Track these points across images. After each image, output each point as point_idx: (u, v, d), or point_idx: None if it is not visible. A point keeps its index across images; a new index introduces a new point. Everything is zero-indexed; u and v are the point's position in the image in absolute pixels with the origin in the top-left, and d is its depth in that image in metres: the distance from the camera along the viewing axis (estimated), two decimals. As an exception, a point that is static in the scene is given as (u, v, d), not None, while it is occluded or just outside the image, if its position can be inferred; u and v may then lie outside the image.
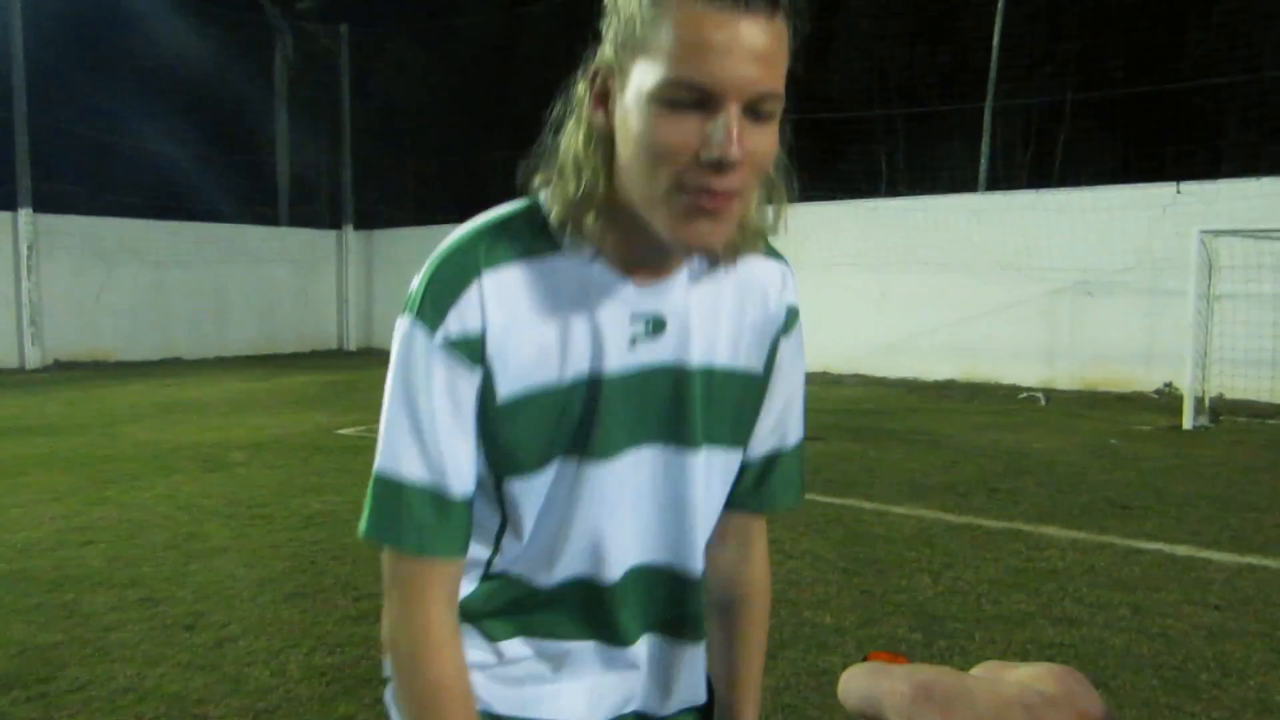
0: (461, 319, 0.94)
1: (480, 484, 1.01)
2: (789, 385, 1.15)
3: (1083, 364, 12.36)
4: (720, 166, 0.86)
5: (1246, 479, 6.79)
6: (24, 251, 15.13)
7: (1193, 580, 4.42)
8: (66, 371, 14.89)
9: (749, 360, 1.09)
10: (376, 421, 1.04)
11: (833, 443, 8.28)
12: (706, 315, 1.04)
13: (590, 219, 0.96)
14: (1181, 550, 4.93)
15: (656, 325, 1.01)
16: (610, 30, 0.93)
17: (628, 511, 1.04)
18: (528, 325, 0.97)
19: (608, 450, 1.01)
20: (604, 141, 0.95)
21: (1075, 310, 12.46)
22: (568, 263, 0.98)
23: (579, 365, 0.98)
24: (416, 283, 0.97)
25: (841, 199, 15.17)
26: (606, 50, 0.94)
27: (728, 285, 1.07)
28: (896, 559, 4.76)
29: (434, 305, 0.95)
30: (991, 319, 13.00)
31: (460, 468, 0.97)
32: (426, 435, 0.96)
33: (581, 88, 0.97)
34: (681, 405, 1.03)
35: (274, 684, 3.32)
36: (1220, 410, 9.97)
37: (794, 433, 1.18)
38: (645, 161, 0.89)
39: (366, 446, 8.06)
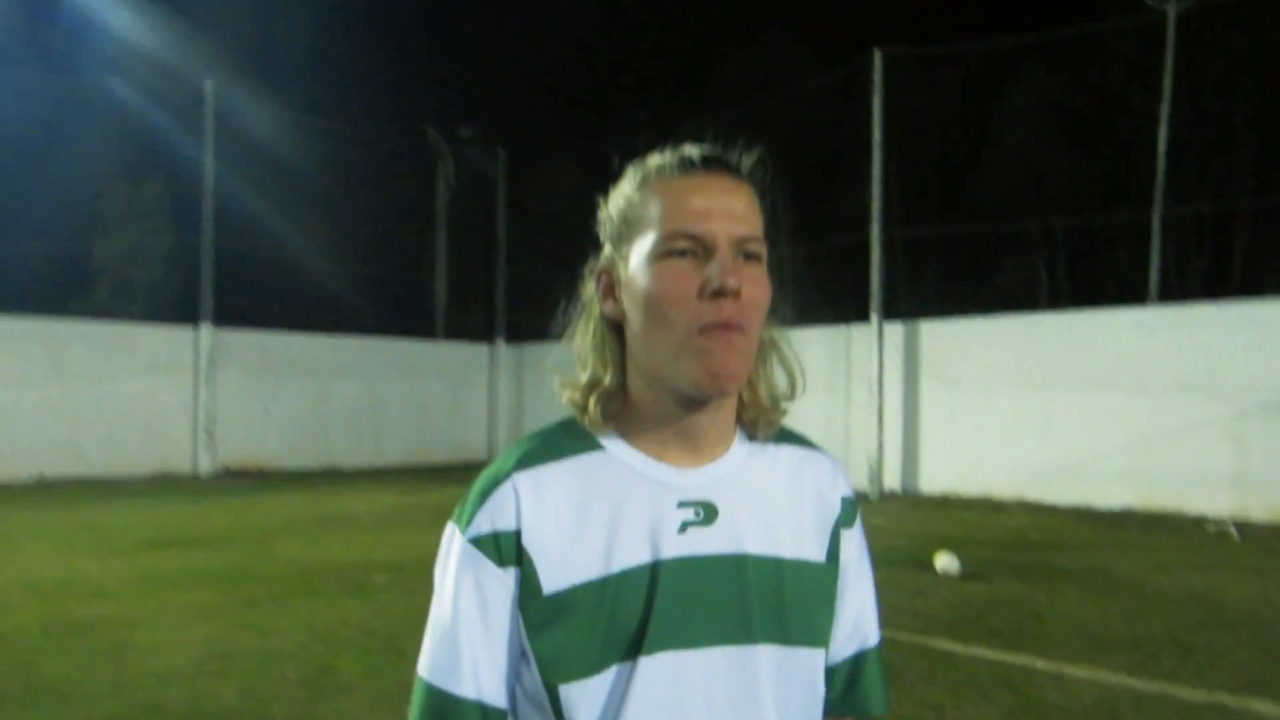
0: (492, 519, 0.97)
1: (537, 700, 0.98)
2: (861, 582, 1.12)
3: (1280, 494, 11.19)
4: (722, 292, 0.94)
5: None
6: (203, 364, 16.12)
7: None
8: (234, 479, 15.60)
9: (813, 551, 1.07)
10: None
11: (997, 582, 7.64)
12: (760, 504, 1.04)
13: (595, 404, 1.02)
14: None
15: (708, 512, 1.01)
16: (605, 233, 1.06)
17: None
18: (568, 521, 0.98)
19: (667, 646, 0.96)
20: (612, 333, 1.05)
21: (1269, 433, 11.35)
22: (606, 457, 1.02)
23: (629, 556, 0.97)
24: None
25: (999, 313, 14.57)
26: (605, 249, 1.06)
27: (777, 473, 1.08)
28: (1078, 737, 4.19)
29: (469, 507, 1.00)
30: (1171, 442, 11.99)
31: (478, 671, 0.97)
32: (448, 636, 0.98)
33: (590, 287, 1.08)
34: (743, 600, 1.00)
35: None
36: None
37: (874, 633, 1.14)
38: (656, 316, 0.97)
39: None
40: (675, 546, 0.98)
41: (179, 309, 17.20)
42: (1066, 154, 18.97)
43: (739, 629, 0.99)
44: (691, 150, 1.02)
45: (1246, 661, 5.39)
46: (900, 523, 11.58)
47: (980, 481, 13.60)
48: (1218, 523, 10.97)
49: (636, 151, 1.09)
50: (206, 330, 16.22)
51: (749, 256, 0.98)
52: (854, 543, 1.11)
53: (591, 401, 1.03)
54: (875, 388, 14.30)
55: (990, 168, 19.20)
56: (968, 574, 7.81)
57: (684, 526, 0.99)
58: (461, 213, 22.06)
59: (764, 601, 1.00)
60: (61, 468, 14.63)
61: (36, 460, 14.50)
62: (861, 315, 15.00)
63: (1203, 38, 14.64)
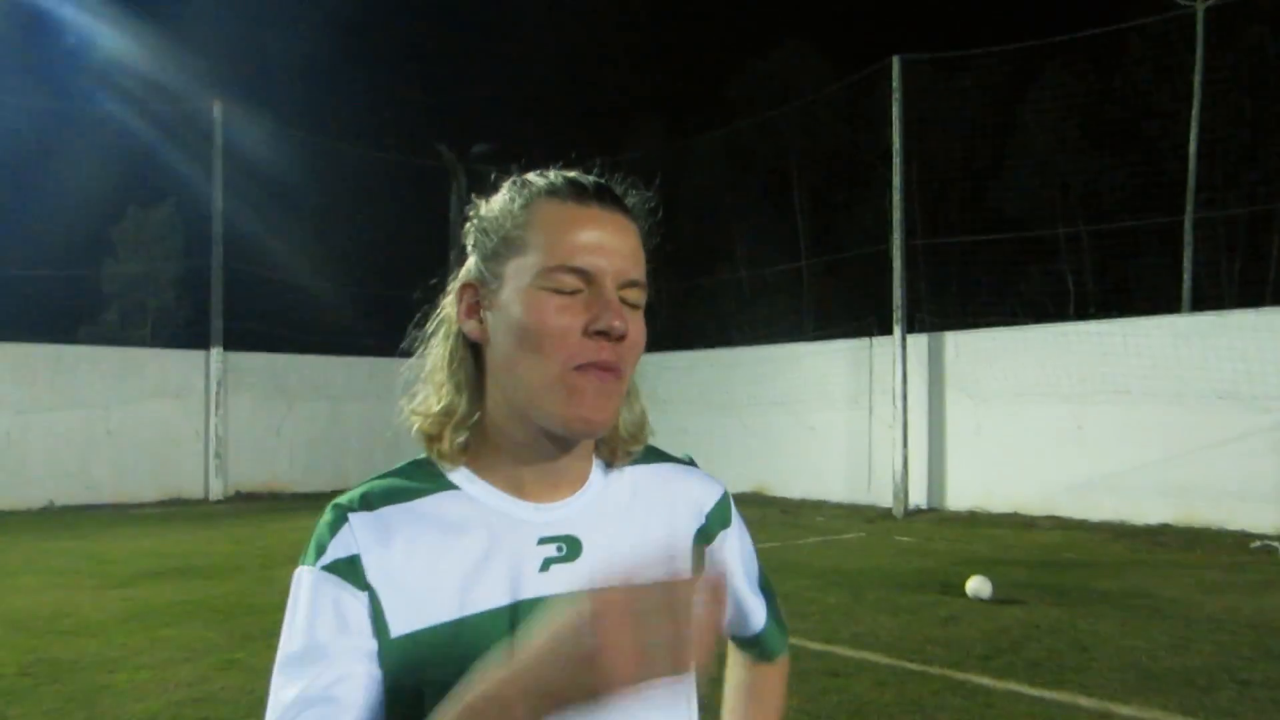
0: (337, 550, 0.91)
1: None
2: (749, 579, 1.16)
3: (1328, 508, 10.66)
4: (609, 335, 0.90)
5: None
6: (214, 388, 15.92)
7: None
8: (246, 503, 15.36)
9: (685, 568, 0.98)
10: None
11: (1033, 607, 7.21)
12: (625, 531, 1.00)
13: (449, 434, 0.97)
14: None
15: (571, 547, 0.96)
16: (475, 245, 1.00)
17: None
18: (417, 564, 0.92)
19: None
20: (468, 355, 0.99)
21: (1314, 445, 10.85)
22: (459, 496, 0.97)
23: (486, 598, 0.92)
24: None
25: (1026, 323, 14.15)
26: (472, 264, 0.99)
27: (639, 495, 1.04)
28: (1133, 790, 3.79)
29: (314, 548, 0.92)
30: (1210, 454, 11.50)
31: (344, 678, 0.86)
32: (299, 665, 0.87)
33: (449, 303, 1.01)
34: None
35: None
36: None
37: (762, 613, 1.19)
38: (531, 347, 0.91)
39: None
40: (536, 585, 0.93)
41: (189, 333, 17.04)
42: (1092, 158, 18.50)
43: None
44: (583, 178, 0.98)
45: (1311, 696, 4.95)
46: (928, 541, 11.17)
47: (1009, 497, 13.14)
48: (1262, 539, 10.47)
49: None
50: (217, 354, 16.01)
51: (629, 303, 0.94)
52: (733, 543, 1.12)
53: (447, 433, 0.97)
54: (899, 401, 13.89)
55: (1014, 174, 18.77)
56: (1001, 598, 7.40)
57: (546, 564, 0.95)
58: (475, 231, 21.79)
59: None
60: (71, 495, 14.43)
61: (46, 488, 14.30)
62: (884, 327, 14.61)
63: (1232, 36, 14.20)
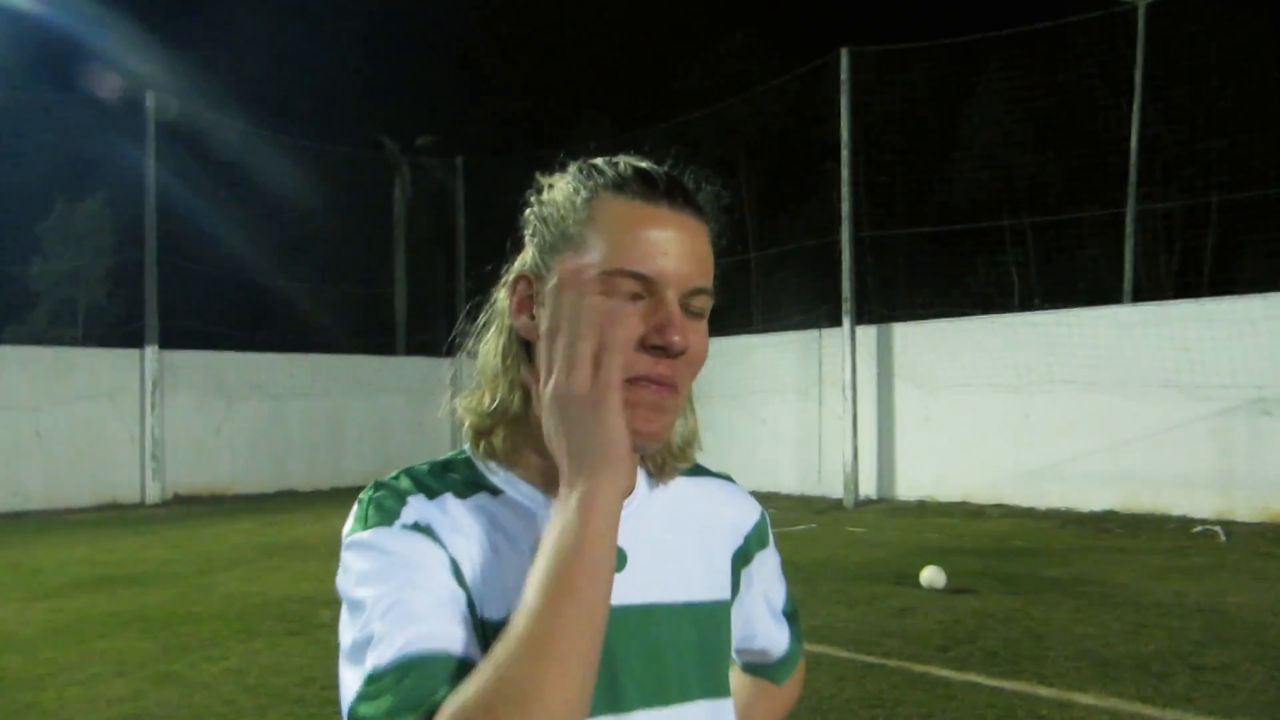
0: (410, 516, 0.87)
1: None
2: (772, 590, 1.11)
3: (1266, 493, 10.88)
4: (667, 351, 0.85)
5: None
6: (149, 387, 15.42)
7: None
8: (185, 506, 14.90)
9: (725, 588, 1.01)
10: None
11: (987, 596, 7.22)
12: (670, 545, 0.97)
13: (500, 433, 0.94)
14: None
15: (618, 559, 0.87)
16: (534, 237, 0.94)
17: None
18: (473, 554, 0.87)
19: (593, 711, 0.80)
20: (522, 351, 0.94)
21: (1252, 431, 11.06)
22: (503, 501, 0.92)
23: None
24: (350, 520, 0.88)
25: (972, 314, 14.26)
26: (529, 256, 0.94)
27: (683, 510, 1.00)
28: (1097, 782, 3.75)
29: (378, 514, 0.87)
30: (1152, 442, 11.68)
31: (448, 627, 0.80)
32: (390, 609, 0.79)
33: (503, 295, 0.97)
34: (663, 654, 0.91)
35: None
36: None
37: (785, 639, 1.15)
38: None
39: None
40: None
41: (122, 331, 16.50)
42: (1036, 151, 18.76)
43: (661, 689, 0.90)
44: (655, 171, 0.91)
45: (1263, 681, 4.99)
46: (879, 531, 11.20)
47: (958, 486, 13.25)
48: (1203, 524, 10.65)
49: (599, 155, 0.96)
50: (152, 352, 15.48)
51: (692, 312, 0.88)
52: (766, 566, 1.09)
53: (499, 432, 0.94)
54: (848, 393, 13.92)
55: (959, 167, 18.99)
56: (954, 588, 7.40)
57: None
58: (420, 224, 21.46)
59: (683, 653, 0.93)
60: (-2, 502, 13.86)
61: (-29, 496, 13.72)
62: (833, 319, 14.63)
63: (1172, 33, 14.47)
